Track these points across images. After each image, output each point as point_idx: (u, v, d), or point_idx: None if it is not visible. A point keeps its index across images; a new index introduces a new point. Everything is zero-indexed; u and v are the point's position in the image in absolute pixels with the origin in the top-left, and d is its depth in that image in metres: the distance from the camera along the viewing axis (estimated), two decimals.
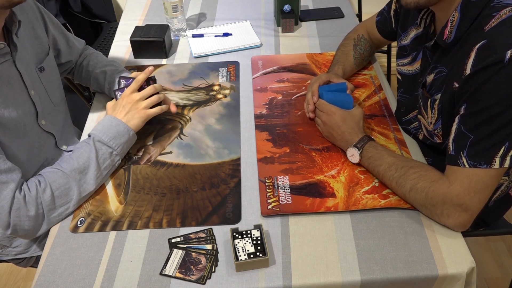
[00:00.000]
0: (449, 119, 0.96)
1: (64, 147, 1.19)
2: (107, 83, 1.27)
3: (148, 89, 1.12)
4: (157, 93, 1.14)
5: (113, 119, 1.07)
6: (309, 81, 1.35)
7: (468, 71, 0.86)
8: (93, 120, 1.25)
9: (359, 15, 2.31)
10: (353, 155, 1.05)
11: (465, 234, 0.94)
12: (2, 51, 0.97)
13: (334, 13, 1.69)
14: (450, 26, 0.92)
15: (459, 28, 0.91)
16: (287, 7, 1.55)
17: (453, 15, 0.92)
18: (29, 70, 1.07)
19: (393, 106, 1.25)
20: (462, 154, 0.87)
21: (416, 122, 1.12)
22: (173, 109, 1.20)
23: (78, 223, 0.98)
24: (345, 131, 1.07)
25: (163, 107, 1.15)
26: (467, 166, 0.87)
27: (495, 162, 0.85)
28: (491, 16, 0.86)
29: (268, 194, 1.02)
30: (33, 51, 1.10)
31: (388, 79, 2.23)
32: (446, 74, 0.96)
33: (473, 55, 0.86)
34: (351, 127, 1.08)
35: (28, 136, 1.05)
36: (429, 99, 1.01)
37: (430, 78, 1.02)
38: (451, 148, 0.90)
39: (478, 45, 0.86)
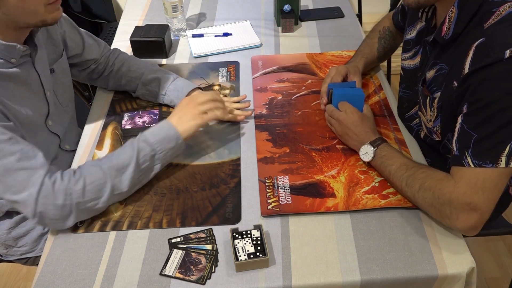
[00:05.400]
0: (448, 118, 0.95)
1: (67, 147, 1.19)
2: (162, 90, 1.24)
3: (213, 93, 1.10)
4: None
5: (167, 123, 1.03)
6: (309, 81, 1.35)
7: (466, 70, 0.86)
8: (93, 120, 1.25)
9: (359, 15, 2.31)
10: (367, 153, 1.04)
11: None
12: (23, 53, 0.98)
13: (334, 13, 1.69)
14: (448, 23, 0.92)
15: (457, 24, 0.90)
16: (287, 7, 1.55)
17: (451, 11, 0.91)
18: (46, 72, 1.08)
19: (393, 106, 1.25)
20: (466, 154, 0.86)
21: (418, 118, 1.12)
22: (246, 114, 1.20)
23: (78, 223, 0.98)
24: (361, 130, 1.07)
25: (218, 114, 1.08)
26: (472, 165, 0.85)
27: (500, 161, 0.83)
28: (491, 12, 0.85)
29: (268, 194, 1.02)
30: (46, 52, 1.10)
31: (388, 79, 2.22)
32: (447, 73, 0.95)
33: (471, 53, 0.85)
34: (368, 127, 1.08)
35: (37, 136, 1.05)
36: (428, 97, 1.01)
37: (430, 74, 1.01)
38: (455, 149, 0.89)
39: (477, 43, 0.85)
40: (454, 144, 0.90)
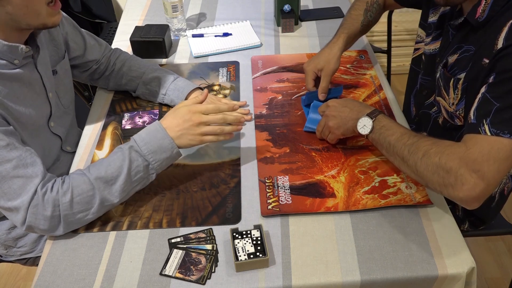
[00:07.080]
0: (474, 98, 0.92)
1: (69, 149, 1.19)
2: (163, 88, 1.24)
3: (213, 109, 1.00)
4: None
5: (161, 131, 0.96)
6: None
7: (499, 45, 0.85)
8: (93, 120, 1.25)
9: None
10: (365, 125, 0.99)
11: (465, 234, 0.94)
12: (26, 54, 0.97)
13: (334, 13, 1.69)
14: (484, 4, 0.91)
15: (493, 7, 0.90)
16: (287, 7, 1.55)
17: None
18: (48, 73, 1.08)
19: (393, 106, 1.25)
20: (484, 122, 0.84)
21: (436, 105, 1.11)
22: (246, 119, 1.09)
23: None
24: (352, 108, 1.04)
25: (220, 137, 1.00)
26: (488, 133, 0.82)
27: None
28: None
29: (268, 194, 1.02)
30: (48, 53, 1.10)
31: (388, 79, 2.22)
32: (474, 53, 0.95)
33: (506, 29, 0.85)
34: (357, 104, 1.06)
35: (40, 137, 1.05)
36: (451, 79, 1.00)
37: (453, 58, 1.01)
38: (472, 117, 0.87)
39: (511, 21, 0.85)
40: (472, 113, 0.87)
